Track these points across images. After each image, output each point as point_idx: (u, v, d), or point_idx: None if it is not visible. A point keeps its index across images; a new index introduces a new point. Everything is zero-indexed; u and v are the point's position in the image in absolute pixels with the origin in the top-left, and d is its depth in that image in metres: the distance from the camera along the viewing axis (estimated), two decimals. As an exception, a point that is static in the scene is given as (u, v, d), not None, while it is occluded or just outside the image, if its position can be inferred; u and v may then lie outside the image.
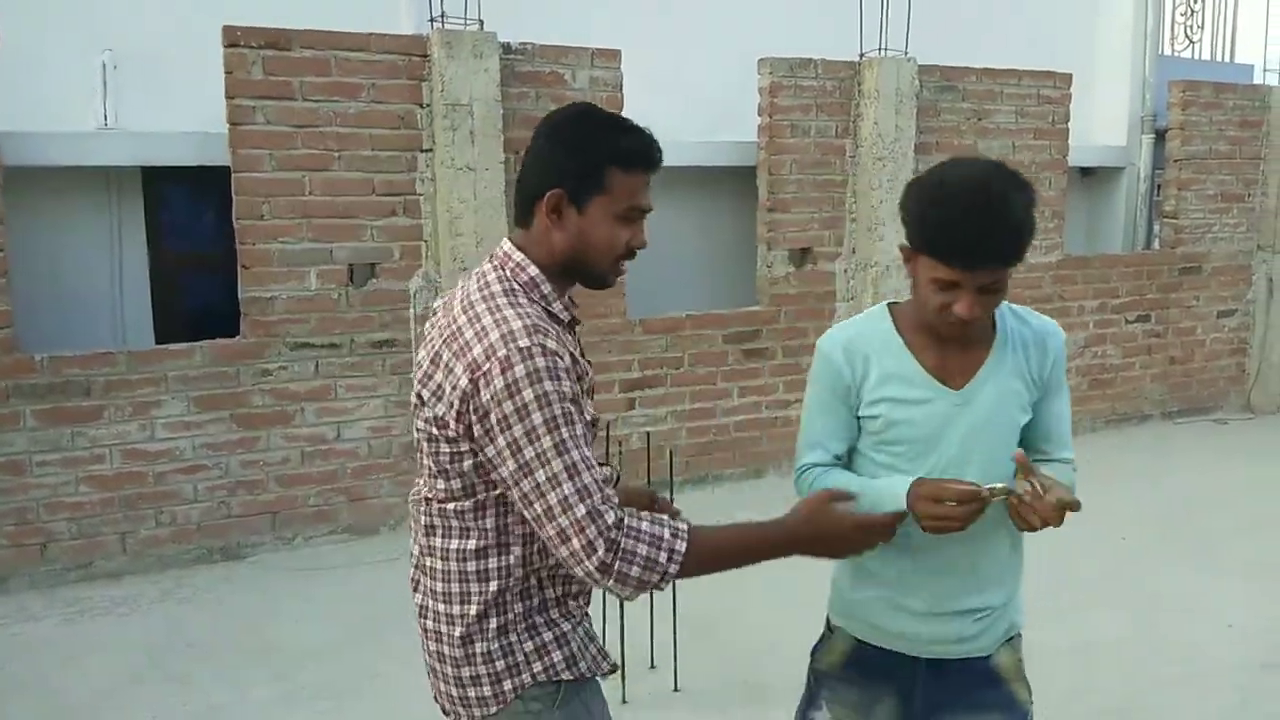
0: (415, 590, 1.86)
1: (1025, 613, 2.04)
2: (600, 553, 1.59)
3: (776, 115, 6.01)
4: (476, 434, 1.64)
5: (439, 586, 1.78)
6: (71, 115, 5.29)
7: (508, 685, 1.75)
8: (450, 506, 1.75)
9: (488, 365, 1.61)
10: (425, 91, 5.03)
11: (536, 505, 1.62)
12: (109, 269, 5.57)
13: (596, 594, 1.82)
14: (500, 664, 1.75)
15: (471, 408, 1.63)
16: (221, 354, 4.82)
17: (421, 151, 5.07)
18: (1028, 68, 6.79)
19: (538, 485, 1.61)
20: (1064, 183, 7.06)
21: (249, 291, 4.84)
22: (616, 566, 1.61)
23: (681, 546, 1.64)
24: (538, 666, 1.76)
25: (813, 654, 2.11)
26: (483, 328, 1.65)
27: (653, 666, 3.77)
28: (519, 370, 1.59)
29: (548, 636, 1.77)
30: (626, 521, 1.63)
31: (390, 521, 5.23)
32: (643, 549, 1.62)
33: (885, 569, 1.93)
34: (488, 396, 1.61)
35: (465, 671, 1.77)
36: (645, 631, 3.77)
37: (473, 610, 1.75)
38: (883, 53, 6.18)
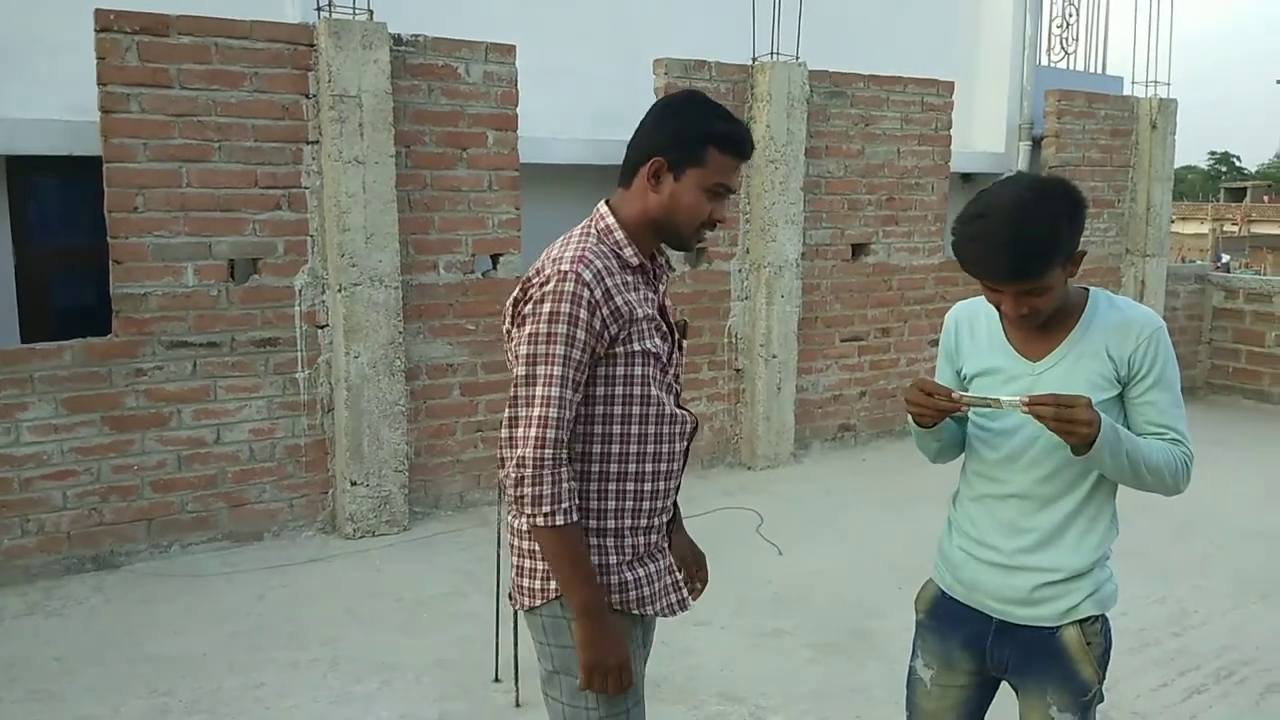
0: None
1: (1109, 605, 2.11)
2: (527, 470, 1.87)
3: (671, 115, 6.02)
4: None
5: None
6: (-75, 99, 4.97)
7: (553, 584, 1.98)
8: None
9: (536, 278, 1.93)
10: (311, 82, 4.89)
11: (515, 390, 1.92)
12: (-32, 263, 5.25)
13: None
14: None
15: (518, 311, 1.95)
16: (92, 353, 4.59)
17: (307, 143, 4.92)
18: (913, 75, 6.99)
19: (519, 380, 1.91)
20: (946, 188, 7.29)
21: (121, 288, 4.62)
22: (522, 491, 1.88)
23: (561, 521, 1.89)
24: None
25: (915, 602, 2.30)
26: (547, 257, 1.97)
27: (547, 668, 3.73)
28: (551, 285, 1.89)
29: (595, 560, 1.98)
30: (555, 471, 1.88)
31: (273, 528, 5.06)
32: (547, 490, 1.87)
33: (967, 523, 2.17)
34: (523, 301, 1.93)
35: (525, 563, 2.03)
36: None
37: None
38: (774, 57, 6.27)
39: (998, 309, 2.05)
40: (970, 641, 2.17)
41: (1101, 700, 2.13)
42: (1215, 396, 8.44)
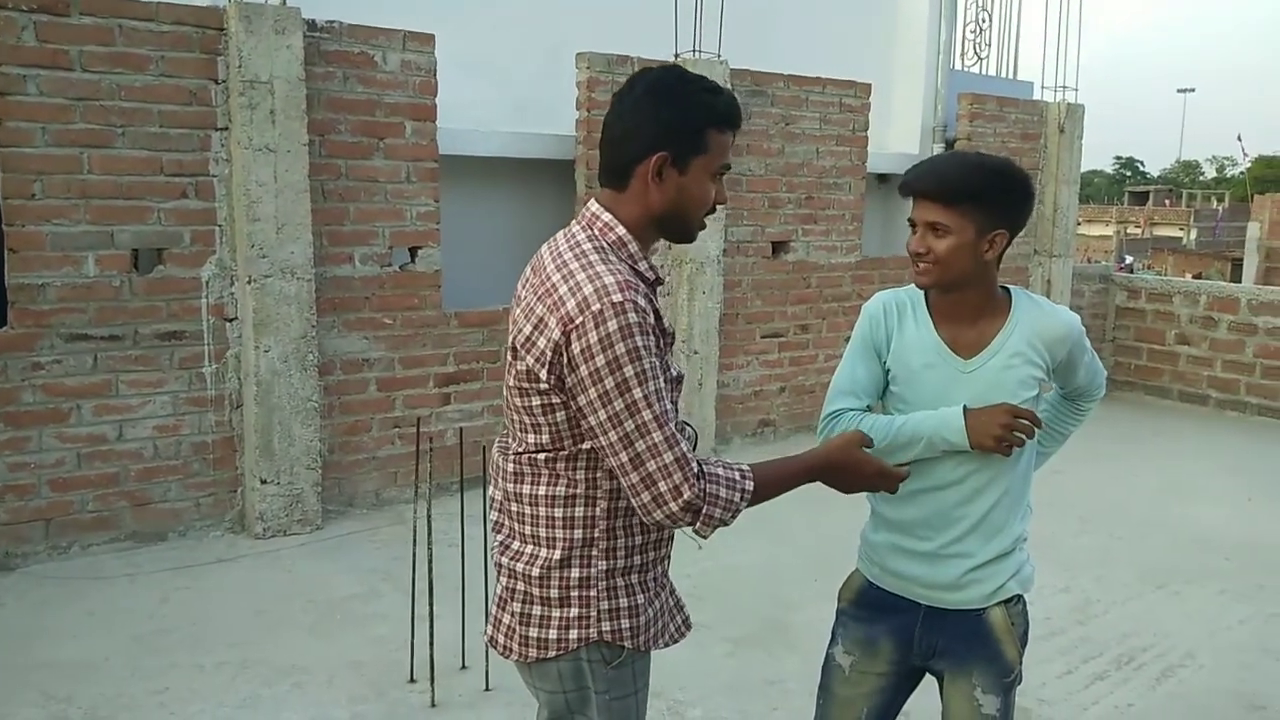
0: (498, 531, 1.95)
1: (1030, 585, 2.21)
2: (687, 495, 1.71)
3: (594, 110, 6.01)
4: (568, 384, 1.73)
5: (526, 529, 1.87)
6: None
7: (574, 634, 1.84)
8: (540, 457, 1.83)
9: (581, 319, 1.68)
10: (221, 67, 4.74)
11: (624, 453, 1.71)
12: None
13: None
14: (573, 612, 1.84)
15: (565, 359, 1.71)
16: (-16, 346, 4.39)
17: (216, 130, 4.77)
18: (831, 76, 7.07)
19: (627, 434, 1.70)
20: (863, 188, 7.40)
21: (17, 278, 4.41)
22: (704, 509, 1.73)
23: (750, 485, 1.78)
24: (606, 627, 1.85)
25: (839, 593, 2.32)
26: (576, 283, 1.72)
27: (464, 667, 3.68)
28: (612, 325, 1.67)
29: (624, 603, 1.86)
30: (706, 468, 1.75)
31: (179, 528, 4.90)
32: (722, 491, 1.75)
33: (894, 514, 2.19)
34: (580, 349, 1.69)
35: (535, 610, 1.85)
36: (456, 633, 3.68)
37: (556, 555, 1.83)
38: (697, 55, 6.28)
39: (911, 256, 2.08)
40: (896, 630, 2.20)
41: (1020, 682, 2.19)
42: (1118, 393, 8.73)
